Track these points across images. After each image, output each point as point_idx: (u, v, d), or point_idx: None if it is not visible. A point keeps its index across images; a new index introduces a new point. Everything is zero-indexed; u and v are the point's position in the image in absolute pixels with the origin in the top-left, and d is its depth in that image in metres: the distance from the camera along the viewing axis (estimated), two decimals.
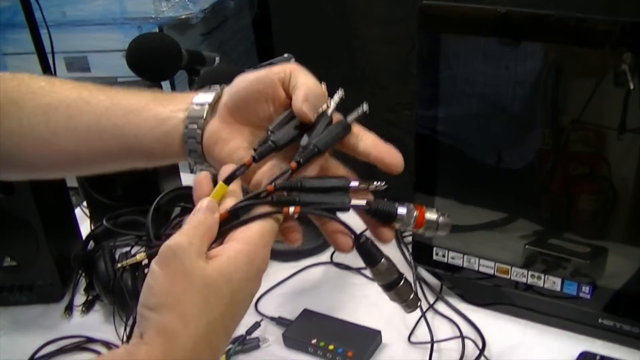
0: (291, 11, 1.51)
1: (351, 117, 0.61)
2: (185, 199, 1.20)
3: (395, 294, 0.60)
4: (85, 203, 1.31)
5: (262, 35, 2.65)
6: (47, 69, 1.99)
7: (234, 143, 0.64)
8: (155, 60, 1.11)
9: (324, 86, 0.62)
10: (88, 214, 1.29)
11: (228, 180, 0.57)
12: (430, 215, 0.58)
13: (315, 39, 1.45)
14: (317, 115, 0.60)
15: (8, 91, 0.70)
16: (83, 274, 1.15)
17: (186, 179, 1.43)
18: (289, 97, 0.61)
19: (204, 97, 0.66)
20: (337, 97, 0.61)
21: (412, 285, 0.62)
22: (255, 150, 0.59)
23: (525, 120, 0.99)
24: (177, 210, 1.21)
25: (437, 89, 0.99)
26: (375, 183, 0.59)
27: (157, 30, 2.34)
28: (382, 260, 0.59)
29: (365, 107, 0.60)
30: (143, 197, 1.24)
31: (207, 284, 0.51)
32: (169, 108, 0.67)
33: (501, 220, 1.05)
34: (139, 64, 1.11)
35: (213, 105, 0.65)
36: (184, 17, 2.33)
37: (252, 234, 0.55)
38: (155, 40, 1.16)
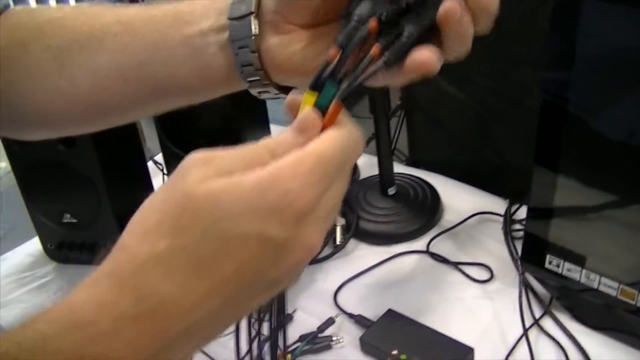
0: None
1: None
2: None
3: None
4: (160, 156, 1.20)
5: None
6: None
7: (309, 49, 0.51)
8: None
9: None
10: (164, 169, 1.18)
11: (316, 85, 0.44)
12: None
13: None
14: None
15: (14, 30, 0.57)
16: None
17: (276, 129, 1.30)
18: None
19: (241, 3, 0.52)
20: None
21: None
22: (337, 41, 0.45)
23: None
24: None
25: (572, 51, 0.79)
26: None
27: None
28: None
29: None
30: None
31: (185, 199, 0.39)
32: (198, 27, 0.53)
33: (629, 212, 0.85)
34: None
35: (257, 12, 0.51)
36: None
37: (291, 156, 0.41)
38: None
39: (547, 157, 0.86)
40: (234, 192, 0.39)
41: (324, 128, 0.44)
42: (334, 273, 1.01)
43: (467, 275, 0.99)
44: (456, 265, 1.00)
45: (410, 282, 0.99)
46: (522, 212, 1.06)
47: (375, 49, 0.45)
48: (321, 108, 0.44)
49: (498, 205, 1.11)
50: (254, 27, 0.51)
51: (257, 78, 0.53)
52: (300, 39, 0.51)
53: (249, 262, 0.39)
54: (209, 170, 0.40)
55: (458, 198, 1.14)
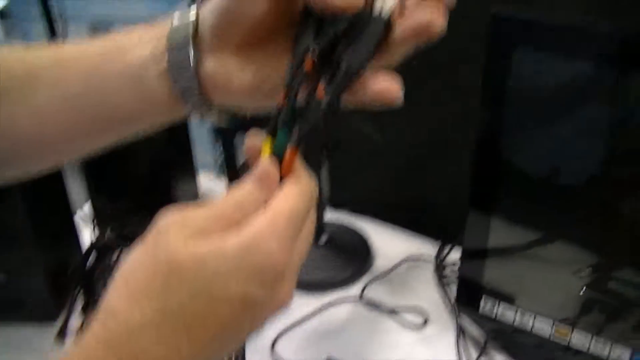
0: None
1: (388, 6, 0.46)
2: None
3: None
4: (87, 207, 1.17)
5: None
6: (53, 36, 1.87)
7: (246, 70, 0.51)
8: None
9: None
10: (92, 221, 1.15)
11: (272, 131, 0.47)
12: None
13: None
14: None
15: None
16: (81, 292, 1.01)
17: (206, 181, 1.30)
18: None
19: (179, 27, 0.52)
20: None
21: None
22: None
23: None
24: None
25: (504, 95, 0.82)
26: None
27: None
28: None
29: None
30: (155, 202, 1.11)
31: (172, 263, 0.41)
32: (137, 55, 0.53)
33: (555, 247, 0.88)
34: None
35: (195, 36, 0.51)
36: None
37: (264, 216, 0.43)
38: None
39: (481, 200, 0.88)
40: (219, 256, 0.41)
41: (283, 174, 0.46)
42: (269, 324, 1.00)
43: (403, 321, 0.99)
44: (391, 311, 1.01)
45: (348, 329, 0.99)
46: (453, 254, 1.09)
47: (319, 91, 0.46)
48: (278, 153, 0.46)
49: (428, 247, 1.13)
50: (192, 51, 0.51)
51: (199, 102, 0.53)
52: (237, 60, 0.51)
53: (232, 320, 0.42)
54: (187, 231, 0.41)
55: (388, 242, 1.15)
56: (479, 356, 0.93)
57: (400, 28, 0.46)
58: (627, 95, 0.76)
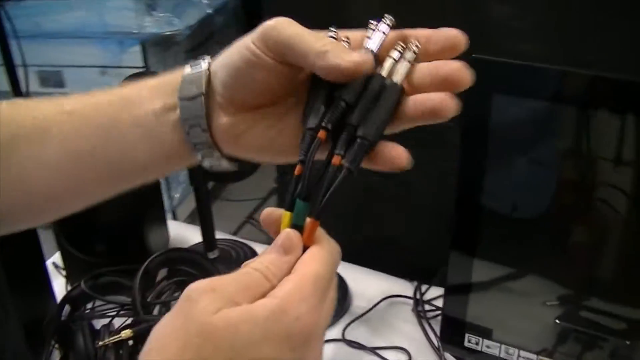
0: None
1: (400, 73, 0.47)
2: (179, 262, 1.05)
3: None
4: (58, 257, 1.15)
5: None
6: (16, 84, 1.84)
7: (256, 129, 0.52)
8: None
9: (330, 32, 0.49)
10: (63, 272, 1.13)
11: (290, 205, 0.47)
12: None
13: None
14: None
15: None
16: (57, 345, 0.99)
17: (175, 228, 1.29)
18: (283, 60, 0.48)
19: (191, 84, 0.53)
20: (384, 27, 0.49)
21: None
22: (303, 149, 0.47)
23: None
24: (163, 272, 1.06)
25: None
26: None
27: (138, 46, 2.17)
28: None
29: (415, 45, 0.47)
30: (128, 254, 1.10)
31: (205, 331, 0.40)
32: (150, 108, 0.53)
33: (527, 281, 0.90)
34: None
35: (207, 90, 0.52)
36: (168, 34, 2.15)
37: (292, 281, 0.44)
38: None
39: (463, 243, 0.89)
40: (250, 322, 0.41)
41: (305, 244, 0.46)
42: None
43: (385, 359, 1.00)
44: (373, 350, 1.01)
45: None
46: (429, 293, 1.10)
47: (335, 160, 0.46)
48: (298, 223, 0.47)
49: (404, 287, 1.14)
50: (204, 108, 0.52)
51: (210, 154, 0.54)
52: (247, 120, 0.52)
53: None
54: (218, 300, 0.41)
55: (363, 283, 1.16)
56: None
57: (413, 106, 0.47)
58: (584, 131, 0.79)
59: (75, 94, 0.57)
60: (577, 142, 0.81)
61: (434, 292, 1.10)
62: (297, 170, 0.47)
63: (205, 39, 2.45)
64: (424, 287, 1.11)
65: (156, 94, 0.54)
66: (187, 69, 0.53)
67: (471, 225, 0.88)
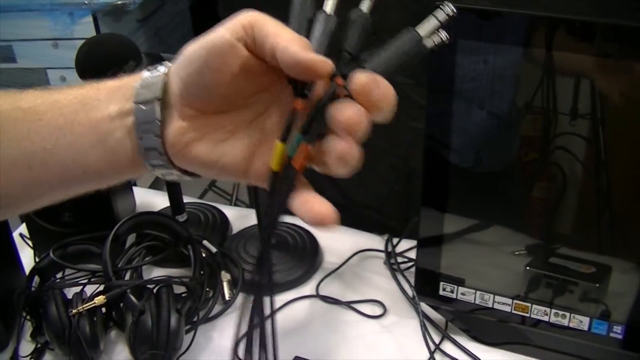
0: None
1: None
2: (148, 226, 1.03)
3: None
4: (24, 228, 1.13)
5: (201, 21, 2.48)
6: None
7: (204, 141, 0.52)
8: (112, 67, 0.93)
9: None
10: (30, 243, 1.11)
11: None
12: None
13: None
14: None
15: None
16: (28, 317, 0.97)
17: (140, 194, 1.27)
18: (260, 56, 0.48)
19: (147, 89, 0.52)
20: None
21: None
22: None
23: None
24: (131, 239, 1.05)
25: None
26: None
27: (90, 17, 2.13)
28: None
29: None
30: (95, 221, 1.08)
31: None
32: (106, 112, 0.52)
33: (491, 232, 0.93)
34: (92, 71, 0.93)
35: (164, 98, 0.51)
36: (119, 3, 2.12)
37: None
38: (112, 45, 0.97)
39: (434, 199, 0.91)
40: None
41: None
42: (228, 329, 0.99)
43: (362, 313, 1.00)
44: (348, 304, 1.02)
45: (309, 326, 0.99)
46: (401, 245, 1.11)
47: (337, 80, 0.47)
48: (290, 155, 0.48)
49: (374, 241, 1.14)
50: (158, 112, 0.51)
51: (161, 163, 0.53)
52: (200, 127, 0.51)
53: None
54: None
55: (334, 238, 1.16)
56: (442, 339, 0.94)
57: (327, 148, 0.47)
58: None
59: (33, 90, 0.55)
60: (536, 93, 0.81)
61: (405, 245, 1.11)
62: (299, 105, 0.48)
63: (157, 8, 2.41)
64: (394, 240, 1.11)
65: (113, 97, 0.53)
66: (146, 73, 0.53)
67: (440, 180, 0.89)
